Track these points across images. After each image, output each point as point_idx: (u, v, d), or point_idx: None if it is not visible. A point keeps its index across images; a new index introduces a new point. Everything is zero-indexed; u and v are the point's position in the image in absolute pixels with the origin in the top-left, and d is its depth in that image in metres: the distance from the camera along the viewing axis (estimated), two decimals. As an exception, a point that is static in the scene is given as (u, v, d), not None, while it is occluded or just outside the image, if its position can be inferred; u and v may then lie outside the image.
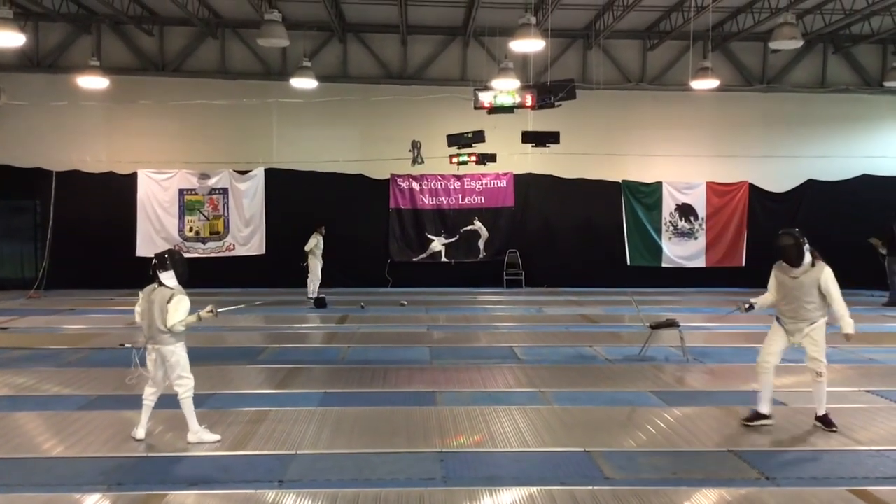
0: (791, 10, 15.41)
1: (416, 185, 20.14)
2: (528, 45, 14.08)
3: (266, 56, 19.27)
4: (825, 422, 6.99)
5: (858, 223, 18.07)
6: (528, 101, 13.72)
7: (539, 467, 6.08)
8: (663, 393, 8.56)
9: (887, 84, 18.63)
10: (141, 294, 6.68)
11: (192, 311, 6.57)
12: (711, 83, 16.84)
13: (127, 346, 10.28)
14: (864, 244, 17.04)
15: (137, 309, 6.70)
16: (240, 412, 7.53)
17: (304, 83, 17.96)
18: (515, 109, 14.23)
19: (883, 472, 5.98)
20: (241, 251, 19.75)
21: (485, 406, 7.81)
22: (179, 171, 19.55)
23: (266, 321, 14.38)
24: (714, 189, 20.38)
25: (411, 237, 20.22)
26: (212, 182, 19.65)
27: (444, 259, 20.25)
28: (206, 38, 19.31)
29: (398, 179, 20.08)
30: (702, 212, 20.40)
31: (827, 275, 6.89)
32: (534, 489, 5.51)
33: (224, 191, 19.74)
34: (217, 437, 6.62)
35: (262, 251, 19.71)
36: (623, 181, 20.29)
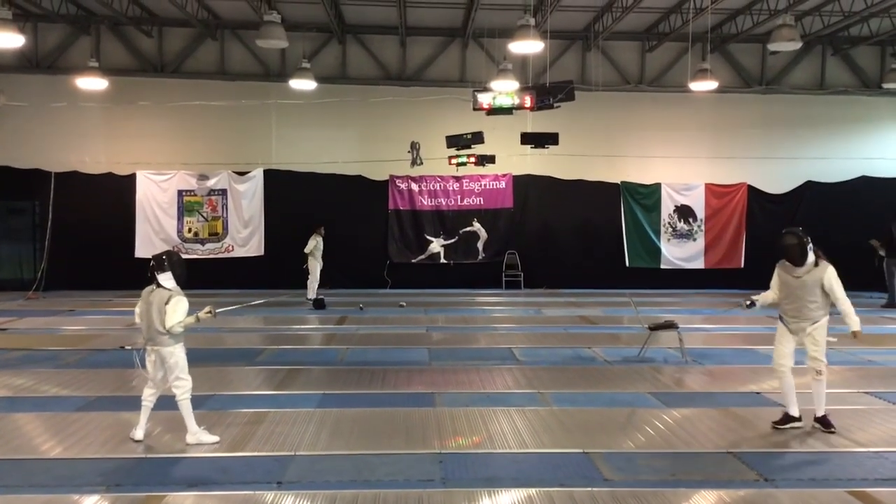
0: (790, 12, 15.42)
1: (415, 187, 20.14)
2: (527, 46, 14.08)
3: (265, 57, 19.27)
4: (824, 423, 7.00)
5: (857, 224, 18.11)
6: (527, 102, 13.74)
7: (538, 468, 6.08)
8: (662, 394, 8.56)
9: (886, 86, 18.65)
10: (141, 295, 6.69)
11: (190, 313, 6.57)
12: (710, 85, 16.86)
13: (127, 348, 10.32)
14: (864, 245, 17.07)
15: (137, 310, 6.71)
16: (238, 413, 7.53)
17: (303, 84, 17.96)
18: (514, 111, 14.25)
19: (882, 473, 5.99)
20: (239, 252, 19.73)
21: (483, 407, 7.81)
22: (178, 172, 19.53)
23: (265, 322, 14.38)
24: (713, 190, 20.39)
25: (410, 238, 20.22)
26: (211, 183, 19.64)
27: (442, 260, 20.24)
28: (205, 40, 19.31)
29: (397, 181, 20.08)
30: (701, 213, 20.41)
31: (830, 274, 6.90)
32: (532, 490, 5.51)
33: (223, 192, 19.74)
34: (216, 438, 6.62)
35: (261, 252, 19.70)
36: (622, 182, 20.30)
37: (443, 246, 20.22)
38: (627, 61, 20.15)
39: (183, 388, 6.57)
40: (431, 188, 20.19)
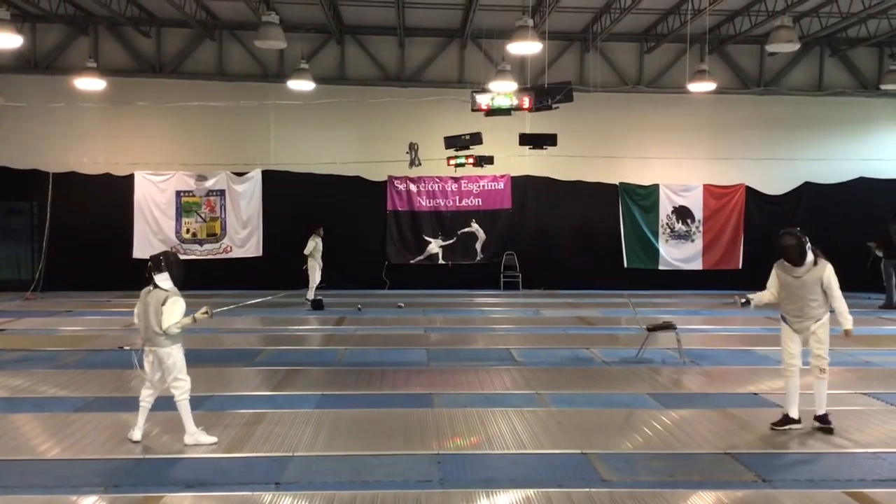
0: (788, 13, 15.43)
1: (413, 187, 20.14)
2: (526, 47, 14.09)
3: (263, 58, 19.27)
4: (823, 421, 7.02)
5: (855, 226, 18.12)
6: (526, 103, 13.74)
7: (536, 469, 6.09)
8: (660, 395, 8.56)
9: (884, 87, 18.65)
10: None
11: (187, 313, 6.57)
12: (708, 86, 16.87)
13: (126, 348, 10.32)
14: (862, 246, 17.08)
15: (135, 311, 6.71)
16: (237, 414, 7.53)
17: (301, 85, 17.95)
18: (513, 112, 14.24)
19: (879, 474, 6.00)
20: (238, 253, 19.72)
21: (482, 408, 7.81)
22: (176, 172, 19.52)
23: (263, 323, 14.37)
24: (711, 191, 20.40)
25: (408, 239, 20.22)
26: (209, 184, 19.63)
27: (441, 261, 20.24)
28: (203, 40, 19.30)
29: (395, 181, 20.08)
30: (699, 214, 20.42)
31: (829, 272, 6.95)
32: (531, 491, 5.52)
33: (221, 192, 19.72)
34: (214, 439, 6.61)
35: (260, 253, 19.69)
36: (620, 183, 20.31)
37: (441, 247, 20.22)
38: (626, 62, 20.16)
39: (181, 388, 6.57)
40: (430, 189, 20.19)
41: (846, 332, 7.08)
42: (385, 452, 6.40)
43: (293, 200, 19.06)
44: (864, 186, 20.09)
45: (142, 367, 6.72)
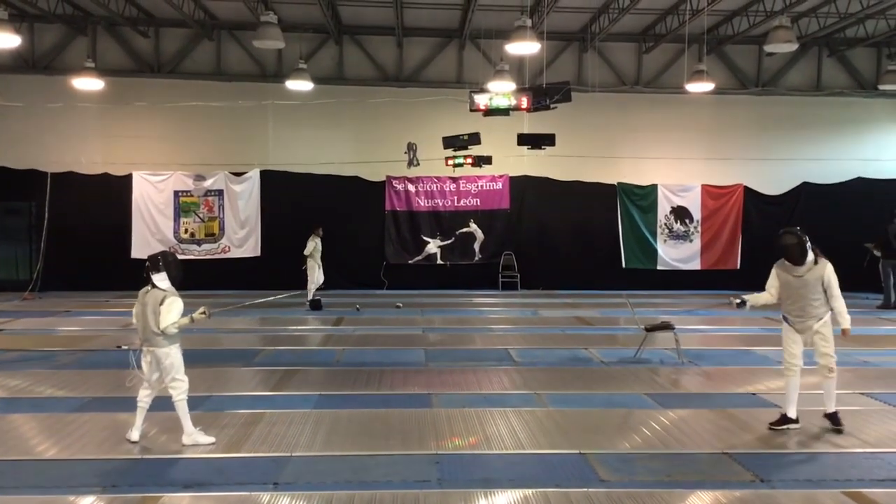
0: (786, 14, 15.43)
1: (411, 188, 20.13)
2: (524, 47, 14.08)
3: (262, 58, 19.26)
4: (833, 419, 7.02)
5: (853, 226, 18.12)
6: (524, 103, 13.77)
7: (534, 469, 6.09)
8: (658, 395, 8.57)
9: (882, 87, 18.66)
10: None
11: (185, 313, 6.57)
12: (706, 86, 16.89)
13: (124, 347, 10.30)
14: (859, 247, 17.09)
15: (134, 311, 6.71)
16: (235, 414, 7.53)
17: (299, 85, 17.95)
18: (511, 112, 14.27)
19: (878, 474, 6.00)
20: (236, 253, 19.70)
21: (480, 408, 7.81)
22: (174, 172, 19.50)
23: (261, 323, 14.37)
24: (709, 192, 20.41)
25: (407, 239, 20.21)
26: (207, 184, 19.62)
27: (439, 261, 20.23)
28: (201, 40, 19.28)
29: (394, 181, 20.07)
30: (697, 214, 20.43)
31: (830, 270, 6.96)
32: (529, 491, 5.52)
33: (219, 192, 19.71)
34: (212, 439, 6.61)
35: (258, 253, 19.68)
36: (618, 183, 20.31)
37: (439, 247, 20.22)
38: (624, 62, 20.17)
39: (179, 389, 6.56)
40: (428, 189, 20.18)
41: (844, 332, 7.09)
42: (383, 452, 6.39)
43: (291, 201, 19.05)
44: (862, 186, 20.09)
45: (139, 366, 6.71)
